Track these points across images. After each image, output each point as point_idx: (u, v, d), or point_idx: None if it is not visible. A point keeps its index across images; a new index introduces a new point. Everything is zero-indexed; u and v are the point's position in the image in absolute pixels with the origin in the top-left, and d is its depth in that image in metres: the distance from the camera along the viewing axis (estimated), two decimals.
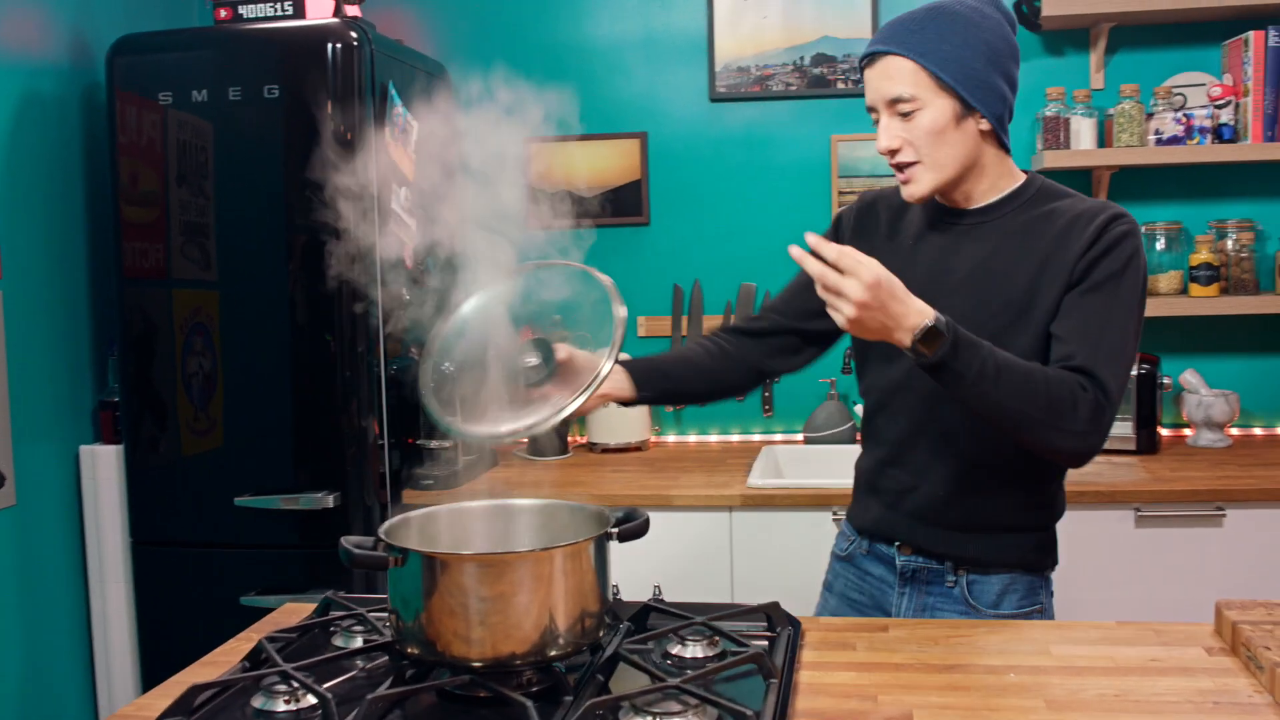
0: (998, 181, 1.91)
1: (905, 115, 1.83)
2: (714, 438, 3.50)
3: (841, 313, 1.65)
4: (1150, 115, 3.18)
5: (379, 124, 3.00)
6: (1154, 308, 3.19)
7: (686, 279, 3.43)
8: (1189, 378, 3.23)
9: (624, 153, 3.55)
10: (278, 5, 3.02)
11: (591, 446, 3.45)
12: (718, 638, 1.71)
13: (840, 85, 3.44)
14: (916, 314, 1.66)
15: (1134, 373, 3.10)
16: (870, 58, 1.86)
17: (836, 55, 3.44)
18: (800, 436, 3.41)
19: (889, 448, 1.98)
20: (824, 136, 3.46)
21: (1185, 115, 3.14)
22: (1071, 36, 3.38)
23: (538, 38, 3.59)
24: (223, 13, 3.06)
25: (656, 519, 2.87)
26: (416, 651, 1.56)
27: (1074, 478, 2.84)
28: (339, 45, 2.90)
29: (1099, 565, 2.81)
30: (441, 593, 1.53)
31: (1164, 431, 3.38)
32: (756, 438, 3.39)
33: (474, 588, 1.52)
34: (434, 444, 3.10)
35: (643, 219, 3.56)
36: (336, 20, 2.97)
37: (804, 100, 3.46)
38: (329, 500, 2.92)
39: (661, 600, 1.85)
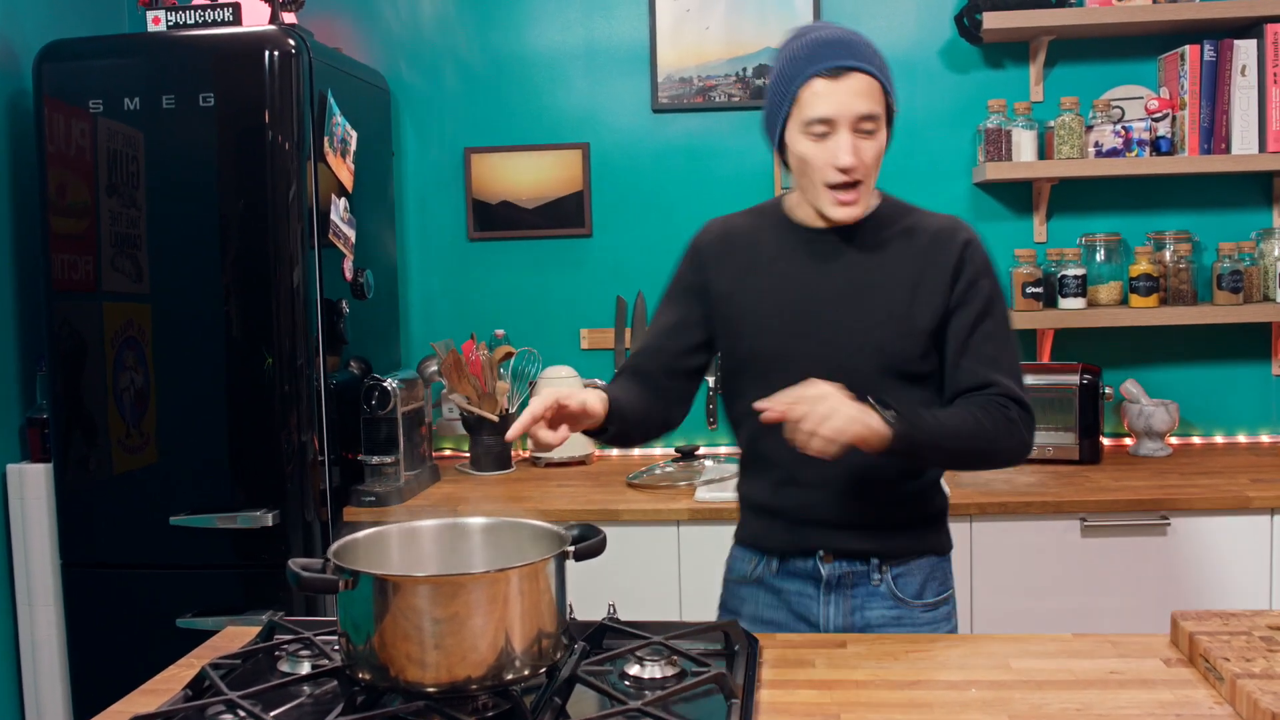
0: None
1: (867, 134, 1.84)
2: (658, 451, 3.47)
3: (820, 434, 1.70)
4: (1090, 128, 3.21)
5: (317, 134, 2.94)
6: (1094, 318, 3.22)
7: (629, 290, 3.40)
8: (1130, 387, 3.25)
9: (566, 163, 3.52)
10: (213, 12, 2.95)
11: (535, 461, 3.41)
12: (676, 657, 1.68)
13: None
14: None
15: (1077, 382, 3.12)
16: (837, 71, 1.82)
17: None
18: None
19: (781, 470, 1.97)
20: (766, 148, 3.42)
21: (1124, 128, 3.17)
22: (1011, 49, 3.40)
23: (479, 48, 3.55)
24: (155, 19, 2.97)
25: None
26: (368, 677, 1.51)
27: (1020, 489, 2.88)
28: (277, 53, 2.84)
29: (1046, 576, 2.82)
30: (394, 616, 1.48)
31: (1105, 441, 3.40)
32: (702, 450, 3.36)
33: (428, 610, 1.47)
34: (375, 460, 3.04)
35: (585, 230, 3.53)
36: (274, 27, 2.91)
37: (746, 111, 3.44)
38: (268, 518, 2.85)
39: (617, 619, 1.82)
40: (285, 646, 1.76)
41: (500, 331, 3.51)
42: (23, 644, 3.05)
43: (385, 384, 3.04)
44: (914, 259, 1.91)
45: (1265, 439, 3.41)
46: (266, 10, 3.03)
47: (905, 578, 1.98)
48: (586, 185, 3.52)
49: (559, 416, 1.84)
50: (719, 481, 3.02)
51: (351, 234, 3.09)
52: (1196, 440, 3.43)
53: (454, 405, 3.36)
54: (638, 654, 1.68)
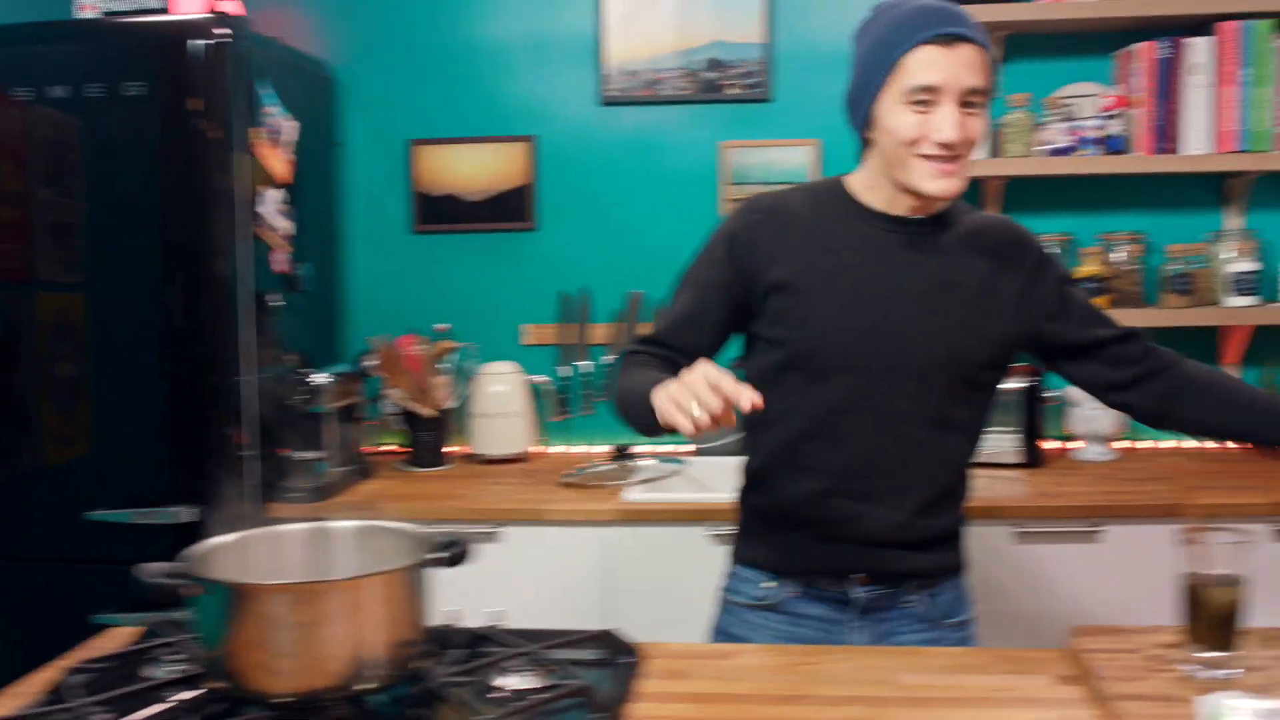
0: None
1: (972, 109, 1.73)
2: (601, 449, 3.42)
3: None
4: (1040, 125, 3.15)
5: (249, 123, 2.90)
6: None
7: (574, 286, 3.36)
8: (1075, 391, 3.19)
9: (512, 156, 3.46)
10: None
11: (472, 457, 3.36)
12: (554, 667, 1.63)
13: (731, 90, 3.37)
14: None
15: (1018, 385, 3.06)
16: (950, 39, 1.69)
17: (728, 60, 3.37)
18: (693, 447, 3.33)
19: (829, 478, 1.84)
20: (714, 142, 3.40)
21: (1074, 126, 3.11)
22: None
23: (426, 39, 3.49)
24: (85, 5, 2.93)
25: (527, 535, 2.84)
26: (221, 685, 1.47)
27: None
28: (206, 41, 2.80)
29: (979, 582, 2.75)
30: (245, 624, 1.44)
31: (1052, 445, 3.35)
32: (643, 449, 3.31)
33: (279, 618, 1.43)
34: (304, 455, 3.00)
35: (530, 224, 3.48)
36: (205, 16, 2.86)
37: (695, 105, 3.39)
38: (188, 514, 2.81)
39: (497, 627, 1.78)
40: (157, 650, 1.72)
41: (443, 326, 3.46)
42: None
43: (313, 378, 2.99)
44: (983, 262, 1.83)
45: (1211, 444, 3.35)
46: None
47: (938, 597, 1.91)
48: (532, 179, 3.47)
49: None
50: (653, 482, 2.97)
51: (286, 226, 3.04)
52: (1145, 445, 3.37)
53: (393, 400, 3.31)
54: (510, 664, 1.64)
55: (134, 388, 2.89)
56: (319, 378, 3.01)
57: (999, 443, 3.08)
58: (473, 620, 1.78)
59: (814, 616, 1.90)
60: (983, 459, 3.02)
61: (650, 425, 1.66)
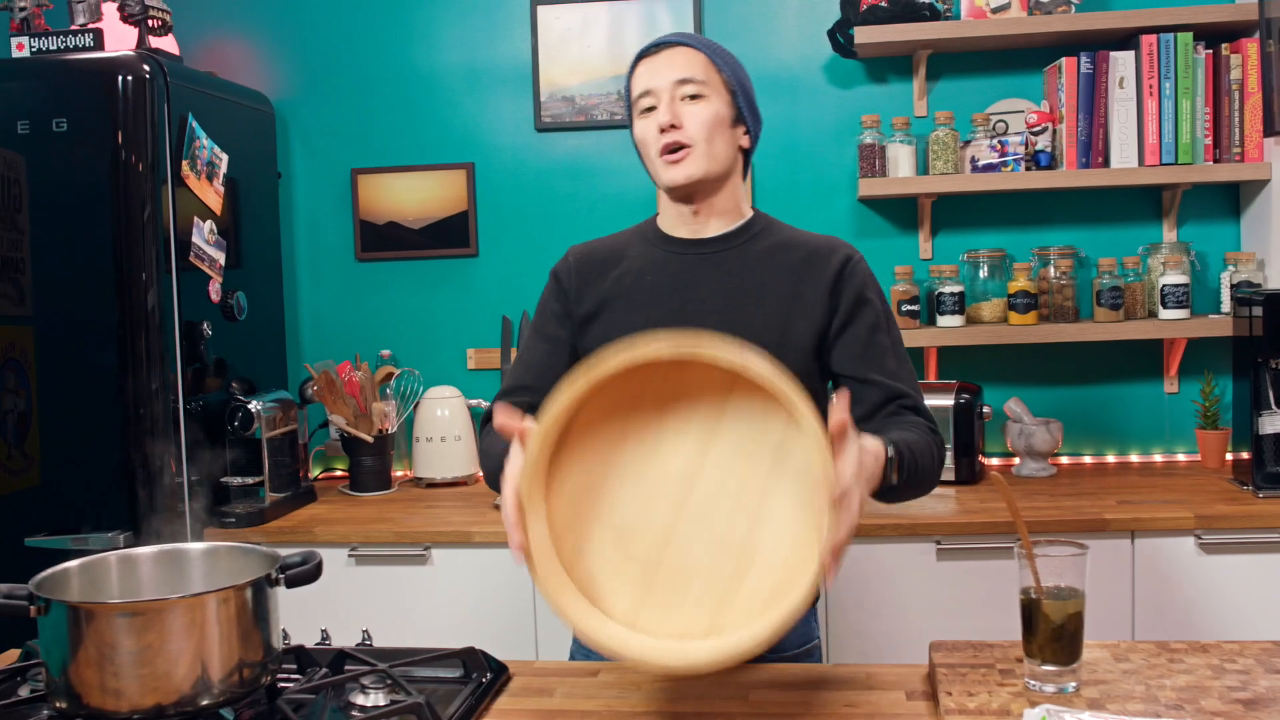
0: (738, 206, 1.92)
1: (692, 98, 1.82)
2: None
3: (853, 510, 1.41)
4: (967, 142, 3.17)
5: (180, 156, 2.95)
6: (970, 336, 3.17)
7: (515, 310, 3.38)
8: (1013, 406, 3.19)
9: (451, 183, 3.50)
10: (75, 38, 2.96)
11: (416, 481, 3.39)
12: (408, 685, 1.65)
13: None
14: (874, 456, 1.54)
15: (953, 402, 3.07)
16: (655, 49, 1.86)
17: None
18: None
19: None
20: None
21: (1000, 142, 3.12)
22: (895, 64, 3.36)
23: (367, 70, 3.55)
24: (20, 45, 2.99)
25: (453, 557, 2.87)
26: (64, 705, 1.50)
27: (878, 510, 2.83)
28: (130, 77, 2.85)
29: (902, 599, 2.77)
30: (85, 643, 1.47)
31: (993, 461, 3.35)
32: None
33: (117, 637, 1.45)
34: (239, 481, 3.04)
35: (470, 250, 3.52)
36: (132, 52, 2.92)
37: (628, 129, 3.41)
38: (120, 540, 2.85)
39: (364, 645, 1.80)
40: (31, 670, 1.75)
41: (386, 352, 3.50)
42: None
43: (249, 405, 3.03)
44: (790, 271, 1.85)
45: (1158, 458, 3.34)
46: (134, 35, 3.04)
47: None
48: (472, 205, 3.50)
49: None
50: None
51: (219, 256, 3.09)
52: (1087, 460, 3.36)
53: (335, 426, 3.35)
54: (369, 681, 1.66)
55: (77, 418, 2.94)
56: (256, 405, 3.05)
57: None
58: (384, 639, 1.80)
59: None
60: None
61: None
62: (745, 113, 1.88)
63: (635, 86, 1.87)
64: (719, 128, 1.84)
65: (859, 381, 1.82)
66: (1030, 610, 1.56)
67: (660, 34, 3.28)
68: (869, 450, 1.50)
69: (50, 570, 1.60)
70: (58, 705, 1.51)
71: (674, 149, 1.82)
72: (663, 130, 1.82)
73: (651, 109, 1.84)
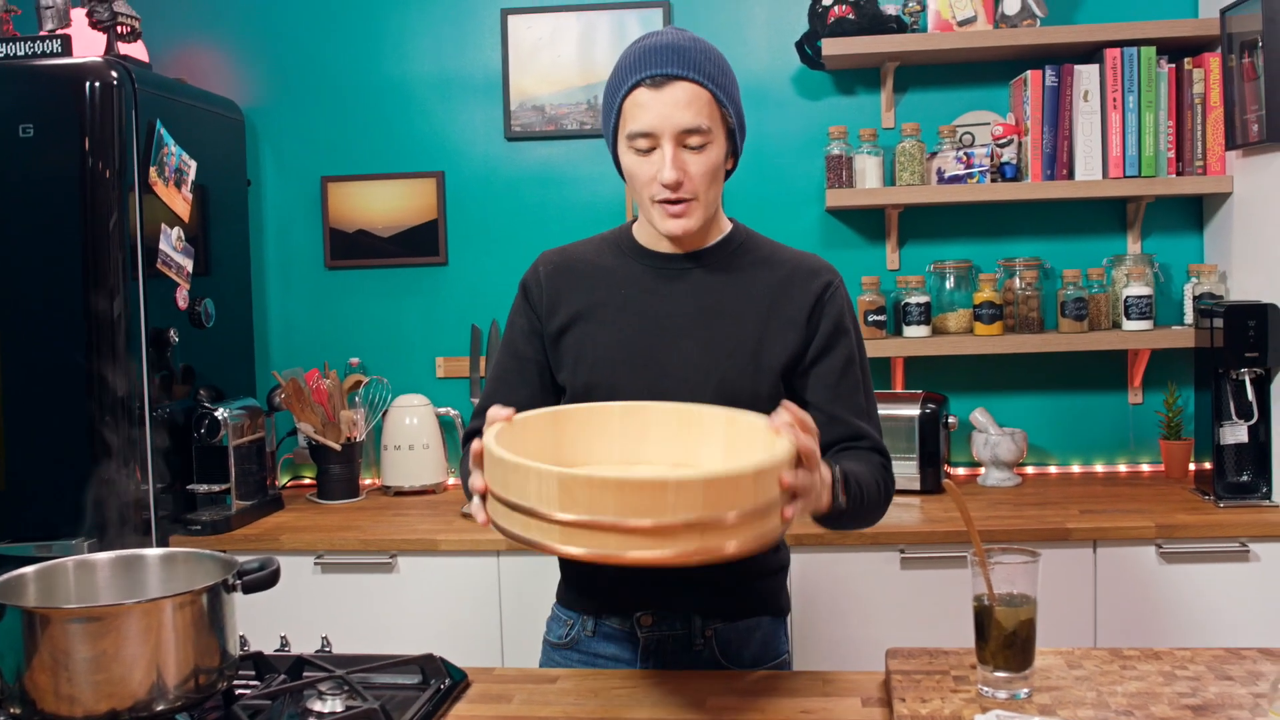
0: (717, 220, 1.86)
1: (695, 149, 1.72)
2: None
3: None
4: (933, 154, 3.19)
5: (144, 164, 2.94)
6: (936, 346, 3.19)
7: (484, 319, 3.39)
8: (979, 416, 3.22)
9: (421, 192, 3.51)
10: (42, 43, 2.95)
11: (384, 489, 3.39)
12: (366, 692, 1.65)
13: None
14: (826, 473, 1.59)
15: (916, 412, 3.09)
16: (659, 80, 1.70)
17: None
18: None
19: None
20: (619, 174, 3.43)
21: (966, 154, 3.15)
22: (863, 76, 3.38)
23: (338, 78, 3.55)
24: None
25: (420, 565, 2.87)
26: (18, 711, 1.50)
27: None
28: (98, 84, 2.85)
29: (865, 607, 2.79)
30: (40, 649, 1.47)
31: (959, 471, 3.37)
32: None
33: (72, 643, 1.46)
34: (205, 488, 3.03)
35: (440, 259, 3.52)
36: (98, 59, 2.91)
37: (598, 139, 3.43)
38: (85, 547, 2.84)
39: (322, 652, 1.80)
40: None
41: (355, 360, 3.50)
42: None
43: (215, 413, 3.02)
44: (769, 290, 1.81)
45: (1123, 469, 3.37)
46: (103, 42, 3.03)
47: (733, 641, 1.85)
48: (441, 214, 3.51)
49: None
50: None
51: (186, 263, 3.08)
52: (1053, 470, 3.39)
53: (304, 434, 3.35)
54: (327, 688, 1.67)
55: (46, 424, 2.92)
56: (223, 412, 3.04)
57: (899, 469, 3.08)
58: (350, 648, 1.81)
59: (607, 656, 1.88)
60: None
61: None
62: (739, 143, 1.81)
63: (632, 117, 1.72)
64: (718, 173, 1.76)
65: (827, 416, 1.77)
66: (983, 617, 1.58)
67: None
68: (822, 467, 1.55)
69: (6, 575, 1.60)
70: (11, 711, 1.51)
71: (676, 201, 1.74)
72: (665, 185, 1.72)
73: (649, 149, 1.73)
